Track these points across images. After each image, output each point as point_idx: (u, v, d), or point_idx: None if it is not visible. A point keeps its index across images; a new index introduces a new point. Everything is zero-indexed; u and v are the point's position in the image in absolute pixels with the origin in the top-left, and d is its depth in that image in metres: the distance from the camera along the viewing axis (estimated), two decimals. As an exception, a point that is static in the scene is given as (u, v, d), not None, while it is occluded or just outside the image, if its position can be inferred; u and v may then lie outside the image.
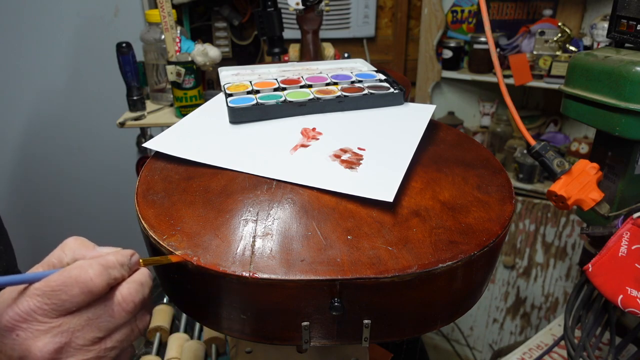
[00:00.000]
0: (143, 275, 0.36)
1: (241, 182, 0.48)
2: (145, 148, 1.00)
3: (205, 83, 1.25)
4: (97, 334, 0.33)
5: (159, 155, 0.53)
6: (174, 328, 0.90)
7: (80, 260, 0.33)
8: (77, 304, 0.32)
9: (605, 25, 1.33)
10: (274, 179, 0.48)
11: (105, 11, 1.58)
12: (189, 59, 1.03)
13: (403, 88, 0.64)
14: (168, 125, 0.69)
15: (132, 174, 1.56)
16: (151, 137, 0.69)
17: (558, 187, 0.56)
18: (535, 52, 1.45)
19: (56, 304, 0.31)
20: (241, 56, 1.77)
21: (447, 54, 1.63)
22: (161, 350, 0.85)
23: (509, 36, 1.57)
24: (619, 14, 0.58)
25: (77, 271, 0.32)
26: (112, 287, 0.34)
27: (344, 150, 0.52)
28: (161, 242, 0.40)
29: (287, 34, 1.13)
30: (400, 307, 0.40)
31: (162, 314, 0.89)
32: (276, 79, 0.67)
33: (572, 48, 1.40)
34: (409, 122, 0.58)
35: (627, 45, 0.60)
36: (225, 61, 1.62)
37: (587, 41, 1.43)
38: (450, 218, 0.44)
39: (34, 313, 0.31)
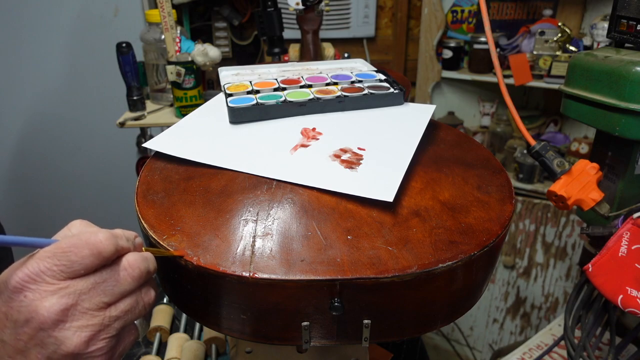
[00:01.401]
0: (147, 253, 0.37)
1: (241, 182, 0.48)
2: (145, 148, 1.00)
3: (205, 83, 1.25)
4: (103, 298, 0.34)
5: (159, 155, 0.53)
6: (174, 328, 0.90)
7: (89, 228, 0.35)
8: (86, 267, 0.32)
9: (605, 25, 1.33)
10: (274, 179, 0.48)
11: (105, 11, 1.59)
12: (189, 59, 1.03)
13: (403, 88, 0.64)
14: (168, 125, 0.69)
15: (132, 174, 1.56)
16: (151, 137, 0.69)
17: (558, 187, 0.56)
18: (535, 52, 1.45)
19: (65, 265, 0.32)
20: (241, 56, 1.77)
21: (447, 54, 1.63)
22: (161, 350, 0.85)
23: (509, 36, 1.57)
24: (619, 14, 0.58)
25: (87, 235, 0.33)
26: (119, 255, 0.35)
27: (344, 150, 0.52)
28: (161, 242, 0.40)
29: (287, 34, 1.13)
30: (400, 307, 0.40)
31: (162, 314, 0.89)
32: (276, 79, 0.67)
33: (572, 48, 1.40)
34: (409, 122, 0.58)
35: (627, 45, 0.60)
36: (225, 61, 1.62)
37: (587, 41, 1.43)
38: (450, 218, 0.44)
39: (42, 274, 0.31)
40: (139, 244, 0.38)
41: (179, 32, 1.04)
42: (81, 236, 0.33)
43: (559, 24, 1.41)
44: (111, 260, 0.34)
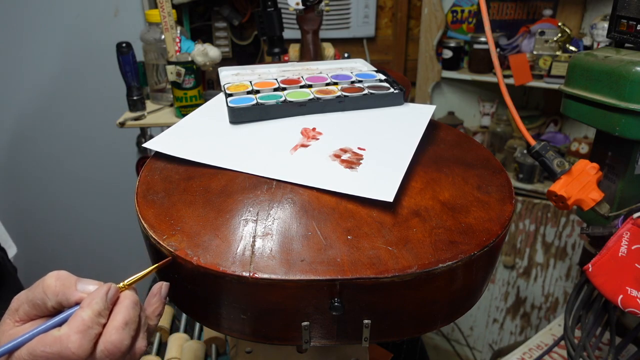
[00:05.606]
0: (126, 310, 0.36)
1: (241, 182, 0.48)
2: (145, 148, 1.00)
3: (205, 83, 1.25)
4: None
5: (159, 155, 0.53)
6: (174, 328, 0.90)
7: (61, 331, 0.33)
8: None
9: (605, 25, 1.33)
10: (274, 179, 0.48)
11: (105, 11, 1.58)
12: (189, 59, 1.03)
13: (403, 88, 0.64)
14: (168, 125, 0.69)
15: (132, 174, 1.56)
16: (151, 137, 0.69)
17: (558, 187, 0.56)
18: (535, 52, 1.45)
19: None
20: (241, 56, 1.76)
21: (447, 54, 1.63)
22: (161, 350, 0.85)
23: (509, 36, 1.57)
24: (619, 14, 0.58)
25: (58, 346, 0.33)
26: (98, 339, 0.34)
27: (344, 150, 0.52)
28: (161, 242, 0.40)
29: (287, 34, 1.13)
30: (400, 307, 0.40)
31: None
32: (276, 79, 0.67)
33: (572, 48, 1.40)
34: (409, 122, 0.58)
35: (627, 45, 0.60)
36: (225, 61, 1.62)
37: (587, 41, 1.43)
38: (450, 218, 0.44)
39: None
40: (114, 296, 0.36)
41: (179, 32, 1.04)
42: (53, 348, 0.32)
43: (559, 24, 1.41)
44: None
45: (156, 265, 0.39)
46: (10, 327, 0.35)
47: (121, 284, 0.37)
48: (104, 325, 0.35)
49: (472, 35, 1.57)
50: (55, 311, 0.36)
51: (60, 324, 0.34)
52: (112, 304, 0.36)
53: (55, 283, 0.35)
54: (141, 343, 0.37)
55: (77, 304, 0.35)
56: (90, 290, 0.36)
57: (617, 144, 0.62)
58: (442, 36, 1.64)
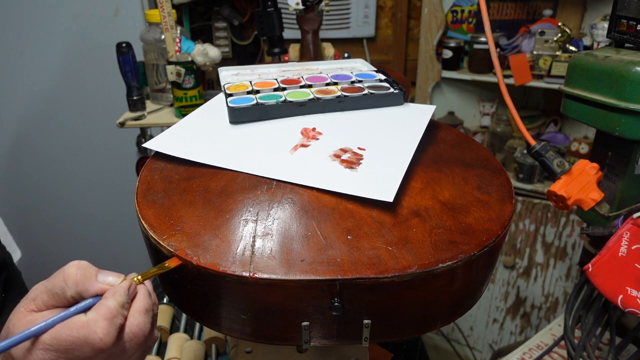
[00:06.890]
0: (144, 298, 0.37)
1: (241, 182, 0.48)
2: (145, 148, 1.00)
3: (205, 83, 1.25)
4: None
5: (159, 155, 0.53)
6: (174, 328, 0.90)
7: (88, 316, 0.34)
8: (90, 357, 0.33)
9: (605, 25, 1.33)
10: (274, 179, 0.48)
11: (105, 11, 1.58)
12: (189, 59, 1.03)
13: (403, 88, 0.64)
14: (168, 125, 0.69)
15: (132, 174, 1.56)
16: (151, 137, 0.69)
17: (558, 187, 0.56)
18: (535, 52, 1.45)
19: (70, 358, 0.33)
20: (241, 56, 1.77)
21: (447, 54, 1.63)
22: (161, 350, 0.85)
23: (509, 36, 1.57)
24: (619, 14, 0.58)
25: (85, 331, 0.33)
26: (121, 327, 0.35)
27: (344, 150, 0.52)
28: (161, 242, 0.40)
29: (287, 34, 1.13)
30: (400, 307, 0.40)
31: (162, 314, 0.89)
32: (276, 79, 0.67)
33: (572, 48, 1.40)
34: (409, 122, 0.58)
35: (627, 45, 0.60)
36: (225, 61, 1.62)
37: (587, 41, 1.43)
38: (450, 218, 0.44)
39: None
40: (134, 291, 0.37)
41: (179, 32, 1.04)
42: (80, 333, 0.32)
43: (559, 24, 1.41)
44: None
45: (171, 266, 0.39)
46: (25, 314, 0.35)
47: (135, 278, 0.38)
48: (126, 318, 0.35)
49: (472, 35, 1.57)
50: (74, 301, 0.36)
51: (82, 312, 0.35)
52: (132, 299, 0.37)
53: (76, 272, 0.35)
54: (155, 332, 0.38)
55: (97, 295, 0.36)
56: (110, 281, 0.36)
57: (617, 144, 0.62)
58: (442, 36, 1.64)
